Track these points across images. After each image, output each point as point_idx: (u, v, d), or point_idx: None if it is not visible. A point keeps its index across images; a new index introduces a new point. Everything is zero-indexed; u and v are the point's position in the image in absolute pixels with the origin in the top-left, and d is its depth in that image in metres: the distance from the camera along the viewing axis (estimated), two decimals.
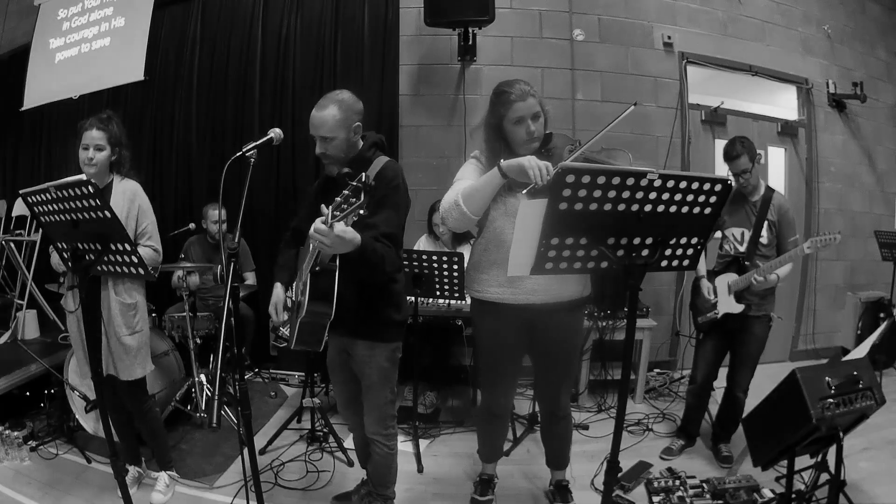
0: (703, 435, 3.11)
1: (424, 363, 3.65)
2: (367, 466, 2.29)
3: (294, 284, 2.12)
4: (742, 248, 2.79)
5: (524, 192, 1.66)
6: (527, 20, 4.21)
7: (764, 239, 2.75)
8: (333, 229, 1.56)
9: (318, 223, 1.58)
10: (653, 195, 1.37)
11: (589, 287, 2.15)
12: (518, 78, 2.01)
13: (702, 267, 2.92)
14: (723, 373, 2.95)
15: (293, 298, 2.09)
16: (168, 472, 2.56)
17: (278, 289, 2.10)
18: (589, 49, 4.24)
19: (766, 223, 2.74)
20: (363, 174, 1.50)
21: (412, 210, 4.20)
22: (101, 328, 2.29)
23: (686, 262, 1.57)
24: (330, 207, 1.55)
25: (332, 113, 1.89)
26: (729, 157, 2.75)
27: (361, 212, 1.52)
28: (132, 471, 2.56)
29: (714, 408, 3.13)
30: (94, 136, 2.28)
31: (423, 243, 3.69)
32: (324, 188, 2.07)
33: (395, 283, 2.02)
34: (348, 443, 2.79)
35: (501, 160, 1.77)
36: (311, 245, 1.77)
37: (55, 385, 3.07)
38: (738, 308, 2.76)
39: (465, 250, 3.37)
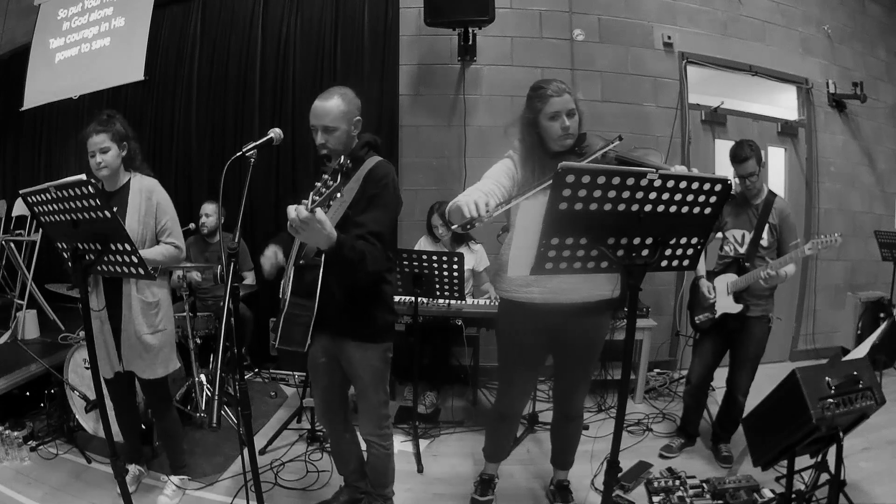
0: (703, 435, 3.11)
1: (424, 363, 3.64)
2: (366, 468, 2.29)
3: (282, 283, 2.11)
4: (742, 250, 2.80)
5: (455, 226, 1.62)
6: (527, 20, 4.21)
7: (764, 241, 2.75)
8: (315, 215, 1.52)
9: (300, 208, 1.53)
10: (653, 195, 1.37)
11: (619, 288, 2.10)
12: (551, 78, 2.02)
13: (701, 267, 2.92)
14: (723, 374, 2.95)
15: (280, 297, 2.08)
16: (178, 477, 2.54)
17: (272, 247, 2.05)
18: (589, 49, 4.23)
19: (767, 226, 2.75)
20: (342, 156, 1.50)
21: (412, 210, 4.24)
22: (121, 326, 2.28)
23: (686, 262, 1.57)
24: (311, 194, 1.53)
25: (336, 103, 1.90)
26: (737, 159, 2.75)
27: (339, 195, 1.50)
28: (132, 469, 2.55)
29: (714, 409, 3.13)
30: (96, 141, 2.27)
31: (422, 244, 3.69)
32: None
33: (387, 283, 2.01)
34: None
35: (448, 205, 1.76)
36: (295, 238, 1.77)
37: (55, 385, 3.06)
38: (736, 308, 2.76)
39: (465, 251, 3.38)
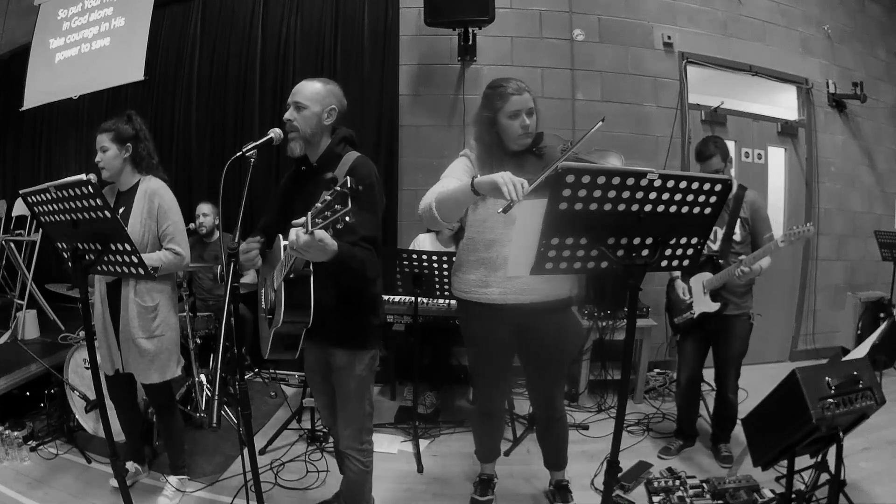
0: (702, 435, 3.11)
1: (424, 363, 3.64)
2: (341, 484, 2.19)
3: (262, 292, 2.02)
4: (715, 247, 2.77)
5: (500, 210, 1.61)
6: (527, 20, 4.21)
7: (737, 236, 2.73)
8: (314, 237, 1.46)
9: (299, 233, 1.47)
10: (653, 195, 1.37)
11: (577, 286, 2.14)
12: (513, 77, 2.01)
13: None
14: (711, 374, 2.94)
15: (263, 306, 1.99)
16: (178, 477, 2.53)
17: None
18: (589, 49, 4.23)
19: (738, 220, 2.73)
20: (347, 178, 1.41)
21: (412, 210, 4.21)
22: (118, 326, 2.28)
23: (686, 262, 1.57)
24: (309, 214, 1.45)
25: (315, 86, 1.88)
26: (702, 157, 2.73)
27: (347, 219, 1.41)
28: (129, 467, 2.53)
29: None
30: (98, 140, 2.28)
31: (427, 243, 3.66)
32: (294, 183, 2.01)
33: (374, 286, 1.96)
34: None
35: (475, 177, 1.73)
36: (284, 254, 1.68)
37: (55, 385, 3.06)
38: (714, 307, 2.75)
39: None
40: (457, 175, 2.00)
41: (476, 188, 1.71)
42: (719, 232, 2.77)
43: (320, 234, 1.47)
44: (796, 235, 2.46)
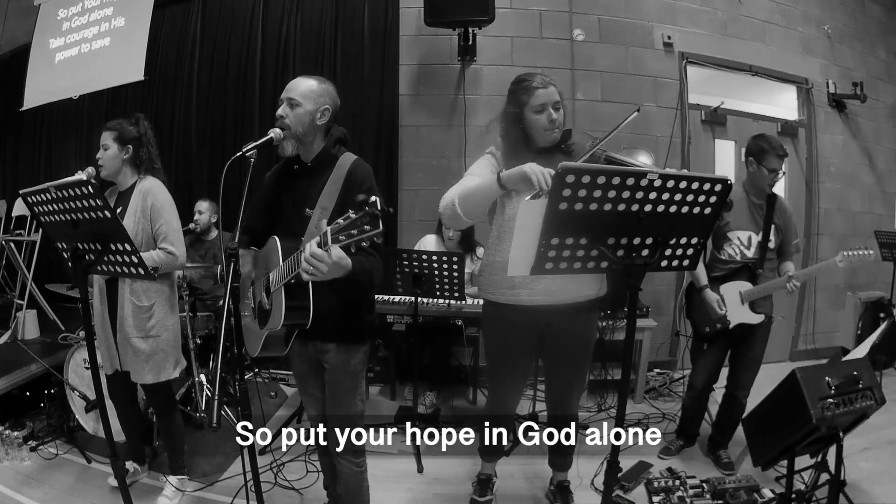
0: (702, 436, 3.10)
1: (424, 363, 3.65)
2: (337, 488, 2.13)
3: (251, 290, 1.96)
4: (750, 254, 2.65)
5: (528, 198, 1.61)
6: (527, 20, 4.21)
7: (772, 243, 2.64)
8: (331, 255, 1.44)
9: (313, 247, 1.45)
10: (653, 195, 1.37)
11: (605, 286, 2.09)
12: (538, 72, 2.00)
13: (702, 276, 2.70)
14: (722, 374, 2.92)
15: (251, 305, 1.94)
16: (177, 478, 2.52)
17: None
18: (589, 49, 4.23)
19: (773, 227, 2.64)
20: (375, 198, 1.37)
21: (412, 210, 4.25)
22: (115, 325, 2.29)
23: (686, 262, 1.57)
24: (329, 228, 1.41)
25: (310, 83, 1.85)
26: (781, 152, 2.59)
27: (377, 240, 1.36)
28: (129, 466, 2.52)
29: (713, 408, 3.11)
30: (102, 137, 2.29)
31: (432, 244, 3.63)
32: (282, 177, 1.94)
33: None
34: None
35: (501, 172, 1.73)
36: (284, 263, 1.65)
37: (55, 385, 3.06)
38: (757, 318, 2.64)
39: (470, 257, 3.36)
40: (481, 173, 1.97)
41: (503, 183, 1.72)
42: (754, 238, 2.64)
43: (337, 252, 1.46)
44: (857, 258, 2.43)
